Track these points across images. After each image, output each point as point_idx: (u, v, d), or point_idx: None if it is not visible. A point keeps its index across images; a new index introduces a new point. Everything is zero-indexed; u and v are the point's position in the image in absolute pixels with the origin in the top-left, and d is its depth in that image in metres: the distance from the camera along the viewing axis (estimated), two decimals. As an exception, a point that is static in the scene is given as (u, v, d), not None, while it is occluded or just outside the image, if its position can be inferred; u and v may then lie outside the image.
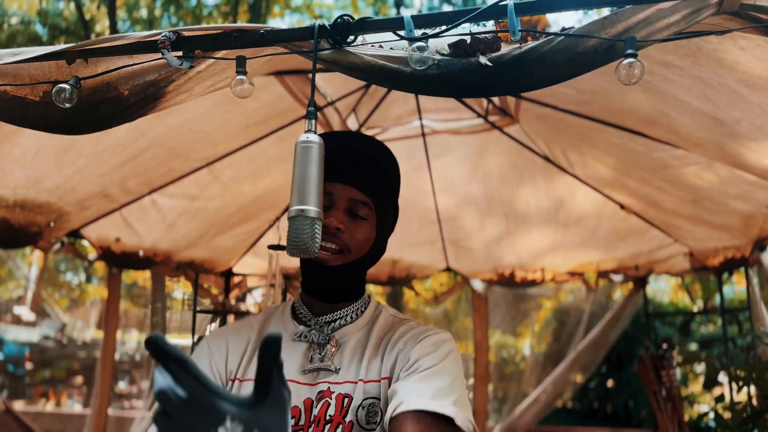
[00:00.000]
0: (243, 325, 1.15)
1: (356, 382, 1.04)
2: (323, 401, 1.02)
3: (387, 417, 0.93)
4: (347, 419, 1.01)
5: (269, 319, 1.16)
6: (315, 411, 1.02)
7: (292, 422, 1.01)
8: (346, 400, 1.03)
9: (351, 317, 1.11)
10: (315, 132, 0.91)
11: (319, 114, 2.24)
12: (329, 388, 1.03)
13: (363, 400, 1.02)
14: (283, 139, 2.32)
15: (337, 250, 1.05)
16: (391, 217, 1.16)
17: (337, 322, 1.10)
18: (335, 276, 1.07)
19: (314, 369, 1.05)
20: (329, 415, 1.01)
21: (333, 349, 1.07)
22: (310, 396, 1.03)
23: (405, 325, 1.11)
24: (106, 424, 2.98)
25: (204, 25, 1.03)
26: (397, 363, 1.03)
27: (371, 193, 1.08)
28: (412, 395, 0.92)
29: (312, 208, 0.87)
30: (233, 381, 1.06)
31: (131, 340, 9.19)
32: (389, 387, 1.01)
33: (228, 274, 3.55)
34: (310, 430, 1.01)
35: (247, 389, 1.03)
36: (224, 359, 1.08)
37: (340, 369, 1.05)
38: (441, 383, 0.95)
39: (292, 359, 1.06)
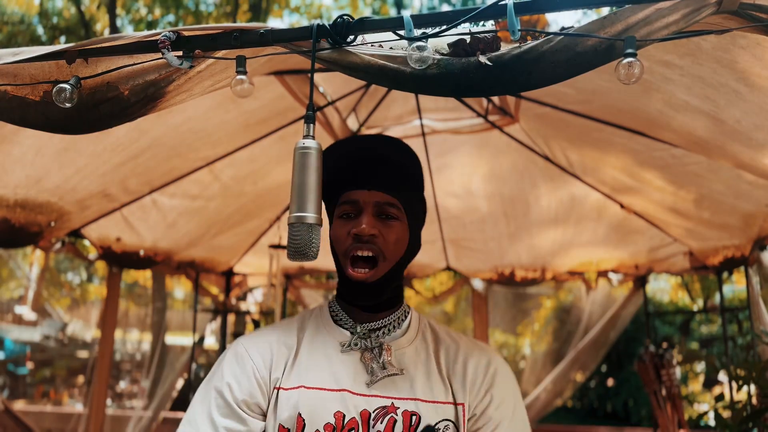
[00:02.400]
0: (282, 332, 1.11)
1: (424, 401, 1.02)
2: (389, 417, 1.00)
3: None
4: None
5: (305, 324, 1.12)
6: (380, 426, 0.99)
7: None
8: (414, 417, 1.01)
9: (395, 324, 1.10)
10: (313, 137, 0.91)
11: (319, 114, 2.25)
12: (393, 403, 1.01)
13: (438, 422, 1.01)
14: (284, 139, 2.32)
15: (373, 261, 1.03)
16: (420, 211, 1.15)
17: (382, 330, 1.09)
18: (376, 291, 1.06)
19: (378, 379, 1.02)
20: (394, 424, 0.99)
21: (389, 356, 1.05)
22: (367, 408, 1.00)
23: (458, 343, 1.12)
24: (104, 422, 2.99)
25: (204, 25, 1.03)
26: (471, 394, 1.05)
27: (396, 192, 1.06)
28: None
29: (310, 215, 0.87)
30: (277, 389, 1.03)
31: (132, 340, 9.19)
32: (465, 414, 1.04)
33: (228, 273, 3.55)
34: None
35: (288, 398, 1.01)
36: (268, 368, 1.05)
37: (403, 371, 1.04)
38: (519, 416, 1.08)
39: (345, 369, 1.04)
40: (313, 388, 1.01)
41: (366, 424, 0.99)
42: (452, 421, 1.02)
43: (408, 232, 1.08)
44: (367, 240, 1.02)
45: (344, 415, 0.99)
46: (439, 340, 1.12)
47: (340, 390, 1.01)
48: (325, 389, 1.01)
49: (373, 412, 1.00)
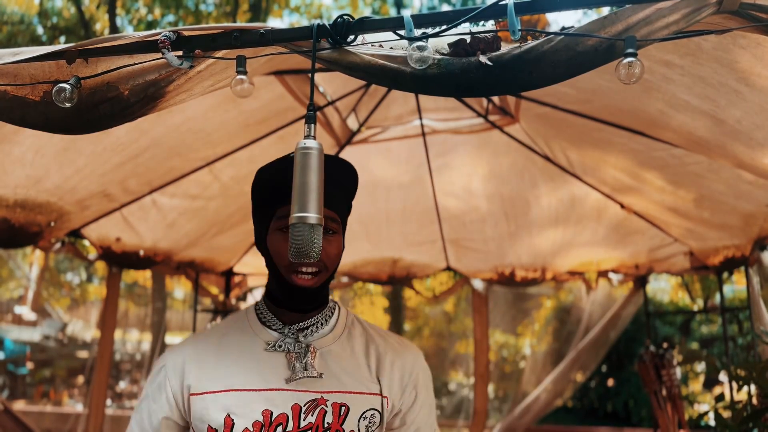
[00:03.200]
0: (200, 339, 1.16)
1: (352, 393, 1.08)
2: (319, 409, 1.05)
3: None
4: (346, 428, 1.05)
5: (229, 329, 1.16)
6: (311, 418, 1.04)
7: (279, 429, 1.03)
8: (343, 408, 1.06)
9: (322, 322, 1.15)
10: (314, 137, 0.91)
11: (319, 114, 2.25)
12: (322, 396, 1.06)
13: (365, 411, 1.08)
14: (284, 139, 2.32)
15: (317, 272, 1.07)
16: (347, 219, 1.21)
17: (310, 329, 1.13)
18: (314, 296, 1.11)
19: (298, 378, 1.07)
20: (327, 423, 1.04)
21: (313, 358, 1.09)
22: (297, 402, 1.05)
23: (386, 340, 1.19)
24: (103, 422, 2.99)
25: (204, 25, 1.03)
26: (396, 390, 1.13)
27: (336, 208, 1.11)
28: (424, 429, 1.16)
29: (312, 215, 0.87)
30: (199, 395, 1.07)
31: (132, 340, 9.19)
32: (390, 408, 1.12)
33: (228, 273, 3.55)
34: None
35: (215, 401, 1.05)
36: (180, 380, 1.09)
37: (323, 374, 1.08)
38: (433, 411, 1.20)
39: (273, 368, 1.08)
40: (240, 390, 1.06)
41: (297, 417, 1.04)
42: (378, 411, 1.09)
43: (343, 241, 1.15)
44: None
45: (272, 413, 1.04)
46: (369, 336, 1.19)
47: (268, 389, 1.06)
48: (252, 390, 1.06)
49: (304, 405, 1.05)
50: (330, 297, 1.20)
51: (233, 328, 1.15)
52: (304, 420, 1.04)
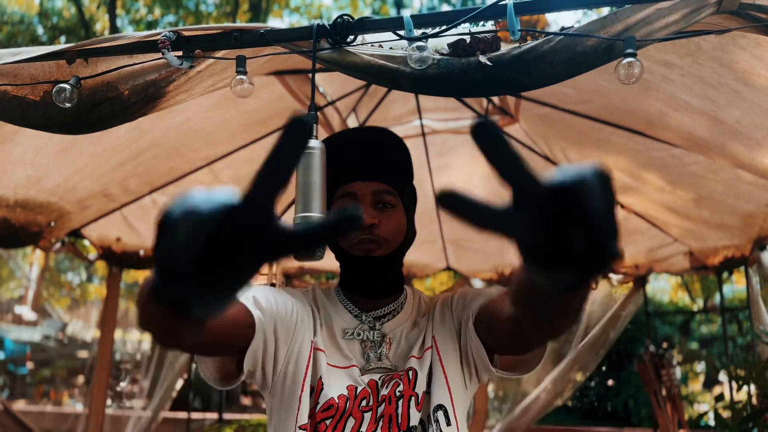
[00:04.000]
0: (302, 296, 1.13)
1: (419, 357, 1.08)
2: (393, 381, 1.05)
3: (476, 306, 1.02)
4: (419, 391, 1.05)
5: (317, 299, 1.14)
6: (385, 391, 1.04)
7: (363, 403, 1.04)
8: (411, 373, 1.06)
9: (398, 310, 1.14)
10: (316, 137, 0.92)
11: (319, 114, 2.24)
12: (396, 369, 1.07)
13: (425, 372, 1.07)
14: (284, 139, 2.32)
15: (378, 243, 1.05)
16: (412, 199, 1.18)
17: (387, 317, 1.12)
18: (381, 267, 1.08)
19: (371, 368, 1.06)
20: (398, 392, 1.04)
21: (388, 349, 1.09)
22: (373, 378, 1.05)
23: (439, 296, 1.18)
24: (103, 422, 2.99)
25: (204, 25, 1.03)
26: (454, 313, 1.09)
27: (391, 181, 1.08)
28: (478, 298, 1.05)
29: (315, 215, 0.88)
30: (314, 345, 1.05)
31: (132, 340, 9.19)
32: (435, 349, 1.08)
33: (228, 273, 3.55)
34: (381, 408, 1.03)
35: (322, 360, 1.04)
36: (309, 313, 1.07)
37: (397, 367, 1.07)
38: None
39: (350, 352, 1.07)
40: (329, 365, 1.05)
41: (375, 392, 1.04)
42: (429, 364, 1.08)
43: (405, 218, 1.12)
44: (368, 231, 1.05)
45: (356, 387, 1.03)
46: (426, 302, 1.19)
47: (349, 367, 1.06)
48: (338, 366, 1.06)
49: (380, 380, 1.05)
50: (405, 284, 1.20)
51: (321, 301, 1.14)
52: (380, 394, 1.05)
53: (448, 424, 1.05)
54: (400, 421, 1.02)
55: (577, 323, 1.02)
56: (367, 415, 1.02)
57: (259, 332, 0.94)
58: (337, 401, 1.02)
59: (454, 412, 1.06)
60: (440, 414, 1.06)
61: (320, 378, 1.03)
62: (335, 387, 1.03)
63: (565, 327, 0.73)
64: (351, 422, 1.01)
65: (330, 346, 1.07)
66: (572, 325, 0.76)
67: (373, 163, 1.07)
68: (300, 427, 1.00)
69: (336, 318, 1.11)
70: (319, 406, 1.02)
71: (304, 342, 1.04)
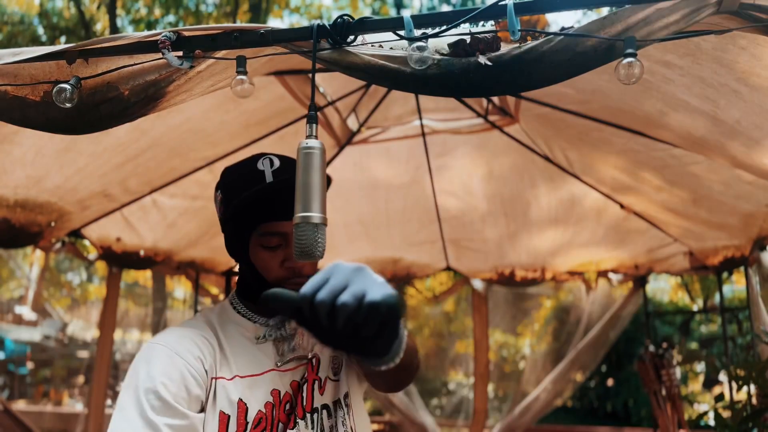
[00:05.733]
0: (196, 329, 1.11)
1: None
2: (311, 380, 1.13)
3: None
4: (321, 375, 1.13)
5: (212, 321, 1.14)
6: (304, 391, 1.11)
7: (288, 407, 1.09)
8: (314, 360, 1.14)
9: None
10: (316, 137, 0.92)
11: (319, 114, 2.25)
12: (310, 362, 1.14)
13: (330, 357, 1.16)
14: (284, 139, 2.32)
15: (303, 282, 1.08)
16: None
17: None
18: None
19: (287, 360, 1.11)
20: (303, 378, 1.12)
21: (301, 339, 1.13)
22: (295, 379, 1.11)
23: None
24: (103, 422, 2.99)
25: (204, 25, 1.03)
26: None
27: None
28: None
29: (316, 215, 0.88)
30: (215, 379, 1.05)
31: (132, 340, 9.19)
32: None
33: (228, 273, 3.55)
34: (304, 404, 1.10)
35: (225, 388, 1.05)
36: (200, 361, 1.04)
37: (313, 350, 1.14)
38: None
39: (266, 354, 1.11)
40: (246, 376, 1.07)
41: (297, 392, 1.10)
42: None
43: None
44: (299, 271, 1.08)
45: (279, 391, 1.08)
46: None
47: (268, 371, 1.10)
48: (258, 374, 1.08)
49: (300, 380, 1.11)
50: None
51: (216, 321, 1.13)
52: (302, 393, 1.11)
53: (353, 410, 1.16)
54: (305, 404, 1.09)
55: (412, 377, 1.13)
56: (293, 414, 1.08)
57: None
58: (264, 411, 1.05)
59: (357, 399, 1.19)
60: (349, 400, 1.16)
61: (240, 400, 1.04)
62: (261, 397, 1.06)
63: (406, 382, 1.14)
64: (281, 427, 1.06)
65: (242, 358, 1.08)
66: (411, 379, 1.14)
67: None
68: None
69: (241, 330, 1.12)
70: (249, 425, 1.03)
71: (205, 383, 1.04)
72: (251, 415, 1.04)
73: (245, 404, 1.04)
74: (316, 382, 1.12)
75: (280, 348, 1.11)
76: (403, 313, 0.66)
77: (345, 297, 0.63)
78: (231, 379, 1.05)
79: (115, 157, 2.02)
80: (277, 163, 1.10)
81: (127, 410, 0.96)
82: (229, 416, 1.03)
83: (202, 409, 1.03)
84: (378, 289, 0.64)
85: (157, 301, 7.50)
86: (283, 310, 0.67)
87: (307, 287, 0.65)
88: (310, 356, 1.13)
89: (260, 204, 1.06)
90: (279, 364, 1.10)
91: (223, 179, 1.15)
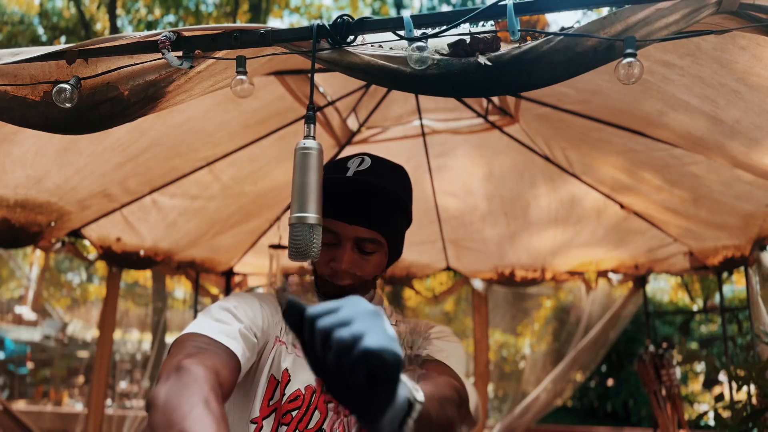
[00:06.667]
0: (271, 299, 1.16)
1: None
2: None
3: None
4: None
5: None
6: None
7: (326, 397, 1.07)
8: None
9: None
10: (314, 137, 0.92)
11: (319, 114, 2.25)
12: None
13: None
14: (284, 139, 2.32)
15: (351, 284, 1.08)
16: (404, 230, 1.17)
17: None
18: (346, 292, 1.10)
19: None
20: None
21: None
22: None
23: (419, 323, 1.20)
24: (103, 422, 2.99)
25: (204, 25, 1.03)
26: (425, 347, 1.12)
27: (378, 227, 1.06)
28: (433, 353, 1.08)
29: (311, 215, 0.88)
30: (278, 341, 1.08)
31: (132, 340, 9.19)
32: None
33: (229, 273, 3.55)
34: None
35: (281, 353, 1.06)
36: (275, 317, 1.09)
37: None
38: (454, 353, 1.11)
39: None
40: (300, 356, 1.07)
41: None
42: None
43: (387, 255, 1.13)
44: (345, 273, 1.07)
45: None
46: (402, 318, 1.22)
47: None
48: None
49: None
50: (377, 291, 1.21)
51: (305, 298, 1.18)
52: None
53: None
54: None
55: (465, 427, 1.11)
56: (331, 412, 1.05)
57: (244, 362, 0.97)
58: (303, 392, 1.04)
59: None
60: None
61: (285, 369, 1.04)
62: (303, 377, 1.05)
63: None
64: (317, 416, 1.04)
65: None
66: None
67: (363, 209, 1.04)
68: (252, 420, 1.03)
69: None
70: (285, 398, 1.03)
71: (270, 339, 1.07)
72: (290, 389, 1.04)
73: (289, 376, 1.05)
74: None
75: None
76: (397, 377, 0.60)
77: (343, 332, 0.58)
78: (288, 347, 1.07)
79: (115, 157, 2.02)
80: (367, 163, 1.07)
81: (201, 318, 0.99)
82: (278, 382, 1.04)
83: (262, 354, 1.06)
84: (380, 338, 0.58)
85: (156, 301, 7.50)
86: (290, 322, 0.63)
87: (316, 309, 0.62)
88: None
89: (327, 198, 1.03)
90: None
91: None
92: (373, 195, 1.06)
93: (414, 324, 1.20)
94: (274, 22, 10.74)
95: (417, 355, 1.09)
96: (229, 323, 0.97)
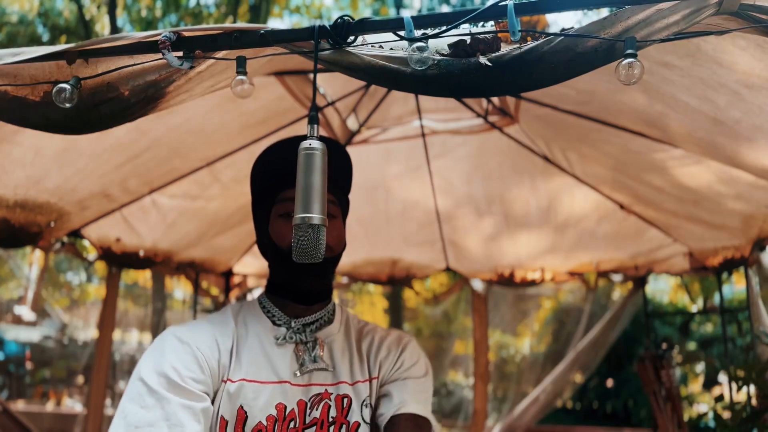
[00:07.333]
0: (219, 325, 1.10)
1: (355, 383, 1.09)
2: (323, 403, 1.05)
3: (388, 414, 1.07)
4: (351, 419, 1.06)
5: (238, 318, 1.12)
6: (315, 413, 1.04)
7: (291, 425, 1.03)
8: (346, 400, 1.07)
9: (327, 318, 1.15)
10: (317, 137, 0.91)
11: (319, 114, 2.25)
12: (326, 390, 1.06)
13: (364, 399, 1.09)
14: (283, 139, 2.32)
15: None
16: (347, 210, 1.21)
17: (317, 323, 1.13)
18: (322, 271, 1.10)
19: (308, 371, 1.06)
20: (332, 417, 1.05)
21: (321, 350, 1.10)
22: (302, 398, 1.05)
23: (375, 330, 1.22)
24: (102, 422, 2.99)
25: (204, 26, 1.03)
26: (384, 365, 1.14)
27: (334, 191, 1.12)
28: (410, 401, 1.10)
29: (316, 216, 0.87)
30: (224, 381, 1.02)
31: (131, 340, 9.19)
32: (378, 386, 1.12)
33: (228, 273, 3.55)
34: (311, 431, 1.03)
35: (229, 391, 1.01)
36: (216, 359, 1.03)
37: (335, 367, 1.09)
38: (427, 394, 1.17)
39: (282, 362, 1.06)
40: (253, 381, 1.03)
41: (303, 413, 1.04)
42: (369, 396, 1.12)
43: (344, 228, 1.16)
44: None
45: (285, 407, 1.03)
46: (362, 327, 1.23)
47: (280, 382, 1.04)
48: (266, 382, 1.04)
49: (309, 400, 1.05)
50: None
51: (242, 319, 1.12)
52: (309, 415, 1.04)
53: None
54: None
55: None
56: None
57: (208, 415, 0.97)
58: (265, 424, 1.00)
59: None
60: None
61: (240, 407, 1.00)
62: (263, 407, 1.01)
63: None
64: None
65: (258, 360, 1.05)
66: None
67: None
68: None
69: (262, 330, 1.09)
70: None
71: (215, 381, 1.02)
72: (250, 426, 0.99)
73: (245, 413, 1.00)
74: (344, 426, 1.06)
75: (300, 356, 1.07)
76: None
77: None
78: (236, 382, 1.02)
79: (115, 158, 2.02)
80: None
81: (132, 395, 0.94)
82: (227, 422, 1.00)
83: (211, 401, 1.01)
84: None
85: (156, 301, 7.49)
86: None
87: None
88: (334, 382, 1.08)
89: (280, 170, 1.05)
90: (297, 374, 1.05)
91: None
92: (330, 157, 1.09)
93: (371, 329, 1.21)
94: (275, 23, 10.75)
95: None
96: (178, 393, 0.94)
